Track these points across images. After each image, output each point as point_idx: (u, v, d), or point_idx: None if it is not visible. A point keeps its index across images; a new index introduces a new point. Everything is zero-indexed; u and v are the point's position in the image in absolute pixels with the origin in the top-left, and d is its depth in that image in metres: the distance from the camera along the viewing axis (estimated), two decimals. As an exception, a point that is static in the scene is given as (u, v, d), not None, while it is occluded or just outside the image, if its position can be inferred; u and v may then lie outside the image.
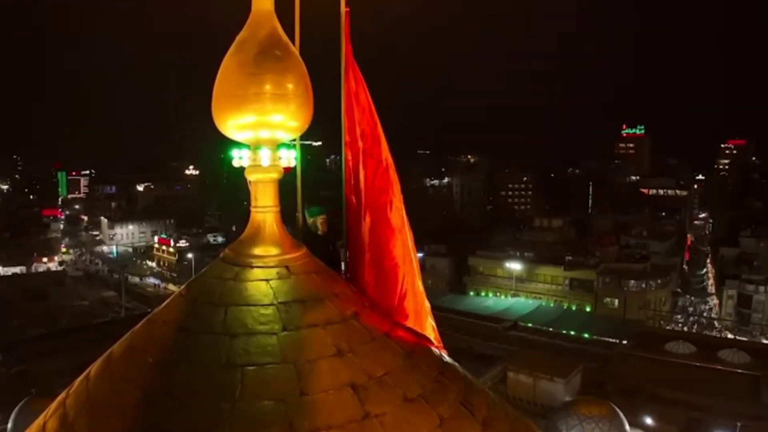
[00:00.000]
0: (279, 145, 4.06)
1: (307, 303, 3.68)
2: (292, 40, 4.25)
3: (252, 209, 4.03)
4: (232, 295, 3.66)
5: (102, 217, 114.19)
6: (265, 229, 3.97)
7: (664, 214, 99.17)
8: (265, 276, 3.76)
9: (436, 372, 3.87)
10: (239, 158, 4.00)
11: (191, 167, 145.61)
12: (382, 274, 4.33)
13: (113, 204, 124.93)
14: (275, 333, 3.47)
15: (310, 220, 4.86)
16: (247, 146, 4.00)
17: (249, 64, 3.83)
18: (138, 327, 3.92)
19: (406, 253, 4.37)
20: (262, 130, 3.91)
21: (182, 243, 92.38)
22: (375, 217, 4.41)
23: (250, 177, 4.00)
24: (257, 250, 3.89)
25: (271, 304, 3.60)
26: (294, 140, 4.29)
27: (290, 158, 4.11)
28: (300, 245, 4.13)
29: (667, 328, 48.65)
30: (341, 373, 3.39)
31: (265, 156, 3.95)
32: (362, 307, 3.96)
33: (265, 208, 4.00)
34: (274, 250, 3.90)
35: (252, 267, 3.80)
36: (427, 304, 4.54)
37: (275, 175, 4.01)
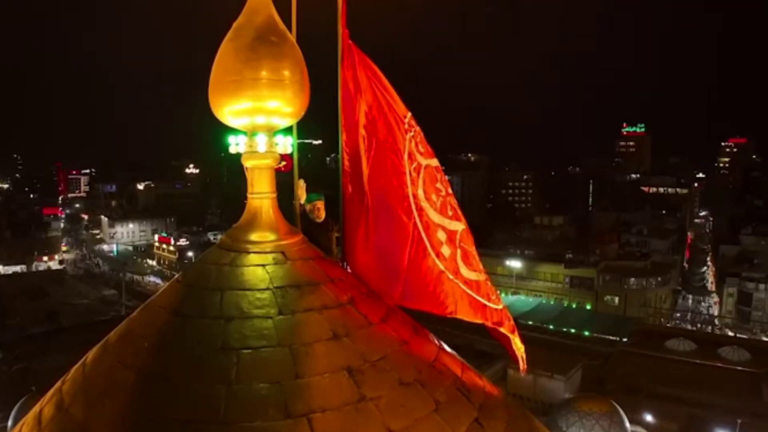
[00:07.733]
0: (275, 132, 4.05)
1: (303, 288, 3.68)
2: (290, 28, 4.25)
3: (248, 195, 4.03)
4: (228, 280, 3.66)
5: (102, 216, 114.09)
6: (262, 215, 3.97)
7: (664, 212, 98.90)
8: (262, 261, 3.76)
9: (433, 357, 3.87)
10: (236, 144, 4.00)
11: (192, 166, 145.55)
12: (381, 258, 4.30)
13: (114, 202, 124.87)
14: (271, 317, 3.47)
15: (308, 206, 4.85)
16: (244, 132, 4.00)
17: (245, 49, 3.82)
18: (135, 313, 3.93)
19: (416, 236, 4.19)
20: (258, 116, 3.90)
21: (183, 241, 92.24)
22: (375, 203, 4.36)
23: (247, 163, 3.99)
24: (253, 236, 3.89)
25: (267, 289, 3.60)
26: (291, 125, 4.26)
27: (286, 144, 4.10)
28: (296, 231, 4.14)
29: (668, 325, 48.70)
30: (337, 356, 3.39)
31: (261, 142, 3.94)
32: (359, 292, 3.96)
33: (261, 195, 4.00)
34: (270, 236, 3.90)
35: (248, 252, 3.81)
36: (469, 275, 4.49)
37: (271, 162, 4.01)
